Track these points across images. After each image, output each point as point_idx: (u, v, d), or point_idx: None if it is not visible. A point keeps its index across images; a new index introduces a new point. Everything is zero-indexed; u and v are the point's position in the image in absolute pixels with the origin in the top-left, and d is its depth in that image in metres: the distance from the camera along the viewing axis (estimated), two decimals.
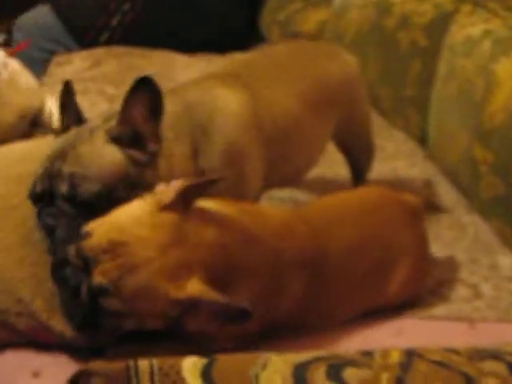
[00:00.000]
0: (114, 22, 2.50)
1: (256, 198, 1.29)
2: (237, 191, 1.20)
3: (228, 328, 1.01)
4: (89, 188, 1.06)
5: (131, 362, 0.86)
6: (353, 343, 1.14)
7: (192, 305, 0.97)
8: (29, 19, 2.61)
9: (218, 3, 2.57)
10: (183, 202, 1.01)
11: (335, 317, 1.19)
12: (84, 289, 0.98)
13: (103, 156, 1.08)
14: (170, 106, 1.13)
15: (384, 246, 1.24)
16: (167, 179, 1.06)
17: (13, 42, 2.68)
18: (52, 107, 1.73)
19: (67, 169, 1.07)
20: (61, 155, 1.09)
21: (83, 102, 2.00)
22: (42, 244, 1.11)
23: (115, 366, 0.88)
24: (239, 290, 1.03)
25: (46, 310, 1.11)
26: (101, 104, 1.97)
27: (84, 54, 2.38)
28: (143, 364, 0.86)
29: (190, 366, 0.84)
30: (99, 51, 2.34)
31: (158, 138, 1.10)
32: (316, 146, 1.43)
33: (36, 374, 1.09)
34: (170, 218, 1.00)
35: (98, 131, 1.11)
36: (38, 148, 1.29)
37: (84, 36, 2.50)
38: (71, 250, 1.00)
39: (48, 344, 1.13)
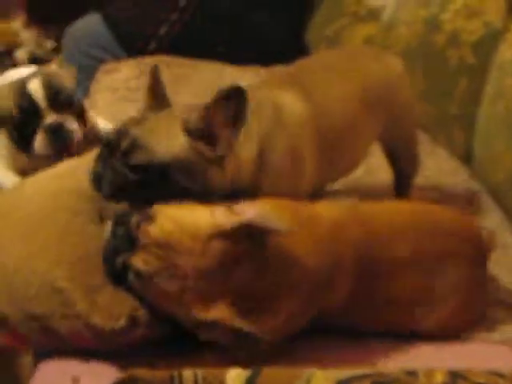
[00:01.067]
0: (162, 31, 2.52)
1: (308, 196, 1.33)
2: (294, 189, 1.27)
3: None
4: (145, 157, 1.13)
5: (175, 372, 0.87)
6: (395, 361, 1.13)
7: (211, 325, 1.03)
8: (79, 27, 2.64)
9: (266, 17, 2.58)
10: (241, 233, 1.04)
11: (370, 327, 1.20)
12: (122, 259, 1.08)
13: (171, 136, 1.15)
14: None
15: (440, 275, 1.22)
16: (233, 178, 1.16)
17: (62, 49, 2.73)
18: (101, 124, 1.74)
19: (135, 131, 1.15)
20: (137, 120, 1.18)
21: (130, 109, 2.04)
22: (78, 246, 1.16)
23: (159, 374, 0.89)
24: (277, 307, 1.06)
25: (86, 307, 1.11)
26: None
27: (132, 62, 2.39)
28: (187, 374, 0.87)
29: (234, 377, 0.85)
30: (147, 60, 2.35)
31: (230, 144, 1.15)
32: (363, 147, 1.47)
33: (75, 381, 1.10)
34: (222, 245, 1.04)
35: (177, 117, 1.17)
36: (78, 166, 1.34)
37: (132, 45, 2.53)
38: (133, 221, 1.08)
39: (87, 349, 1.14)
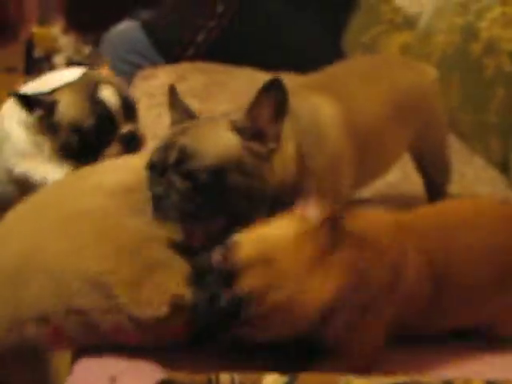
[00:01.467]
0: (200, 38, 2.54)
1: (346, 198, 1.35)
2: (335, 193, 1.28)
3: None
4: (198, 162, 1.11)
5: (213, 375, 0.88)
6: (444, 370, 1.12)
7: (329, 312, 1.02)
8: (116, 33, 2.67)
9: (303, 23, 2.59)
10: (328, 225, 1.05)
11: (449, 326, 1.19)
12: (226, 297, 1.00)
13: (221, 138, 1.14)
14: None
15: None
16: (281, 176, 1.16)
17: (99, 54, 2.76)
18: None
19: (182, 140, 1.13)
20: (181, 131, 1.15)
21: (168, 115, 2.06)
22: (117, 240, 1.15)
23: (197, 377, 0.89)
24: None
25: (128, 299, 1.11)
26: None
27: (169, 68, 2.41)
28: (224, 377, 0.87)
29: (271, 382, 0.85)
30: (184, 66, 2.38)
31: (278, 137, 1.16)
32: (394, 152, 1.47)
33: (113, 380, 1.10)
34: (314, 238, 1.04)
35: (222, 120, 1.17)
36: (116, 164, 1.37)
37: (170, 51, 2.55)
38: (217, 256, 1.04)
39: (126, 345, 1.13)
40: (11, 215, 1.30)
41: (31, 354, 1.20)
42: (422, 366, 1.12)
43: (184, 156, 1.11)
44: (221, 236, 1.11)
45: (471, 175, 1.85)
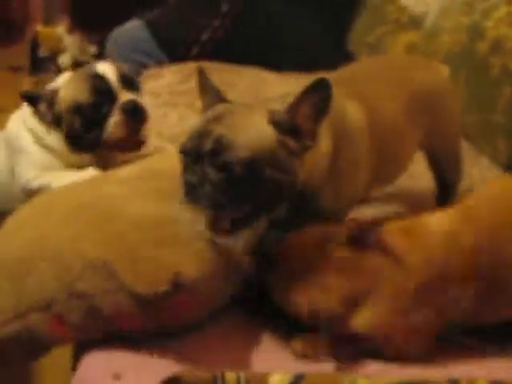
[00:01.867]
0: (204, 37, 2.54)
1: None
2: (353, 195, 1.31)
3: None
4: (234, 153, 1.10)
5: (218, 373, 0.88)
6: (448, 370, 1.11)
7: None
8: (122, 32, 2.67)
9: (308, 24, 2.59)
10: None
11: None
12: None
13: (257, 130, 1.13)
14: None
15: None
16: (310, 173, 1.17)
17: (105, 54, 2.77)
18: None
19: (218, 130, 1.12)
20: (216, 118, 1.15)
21: (173, 114, 2.06)
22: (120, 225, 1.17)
23: (202, 375, 0.89)
24: None
25: (129, 277, 1.12)
26: (190, 117, 1.99)
27: (174, 68, 2.41)
28: (230, 375, 0.87)
29: (277, 381, 0.85)
30: (189, 66, 2.37)
31: (314, 136, 1.16)
32: (408, 153, 1.47)
33: (117, 377, 1.10)
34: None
35: (260, 109, 1.17)
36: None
37: (174, 50, 2.55)
38: None
39: (131, 334, 1.14)
40: (20, 213, 1.30)
41: (34, 345, 1.19)
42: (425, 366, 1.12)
43: (220, 146, 1.11)
44: (243, 222, 1.15)
45: (477, 175, 1.85)
